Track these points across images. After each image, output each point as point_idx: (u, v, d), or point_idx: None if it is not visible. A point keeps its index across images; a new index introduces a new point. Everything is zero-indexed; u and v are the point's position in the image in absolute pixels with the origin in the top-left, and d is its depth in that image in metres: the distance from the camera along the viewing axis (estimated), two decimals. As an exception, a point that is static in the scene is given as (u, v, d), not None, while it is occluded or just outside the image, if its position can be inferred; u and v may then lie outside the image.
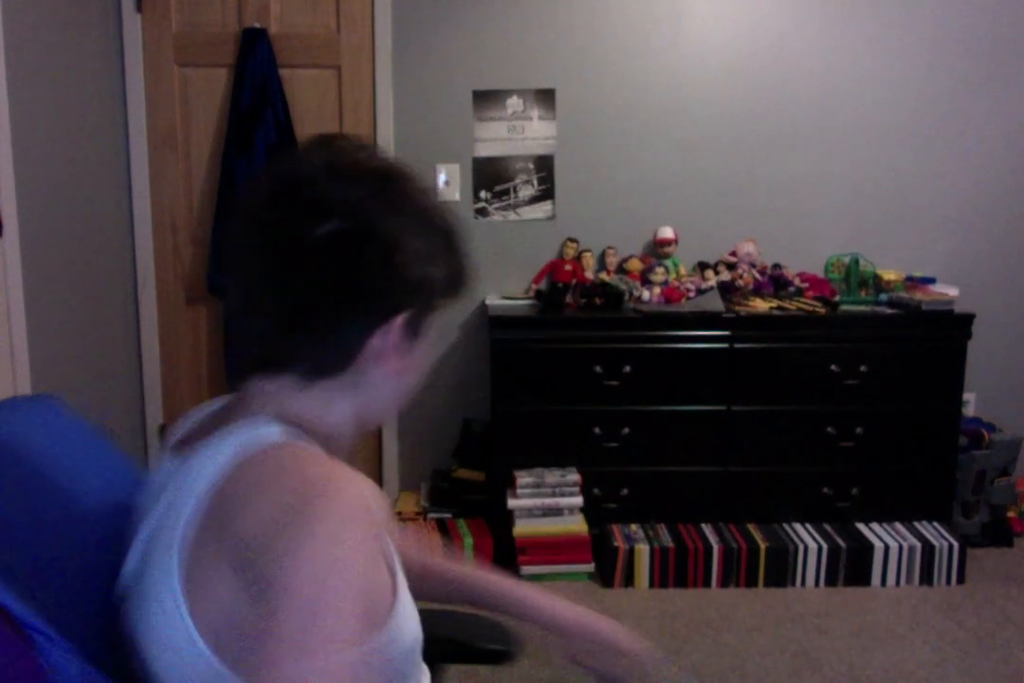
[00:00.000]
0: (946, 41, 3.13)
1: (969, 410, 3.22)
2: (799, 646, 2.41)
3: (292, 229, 0.73)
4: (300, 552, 0.61)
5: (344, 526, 0.64)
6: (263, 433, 0.73)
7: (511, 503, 2.78)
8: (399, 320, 0.76)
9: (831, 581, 2.76)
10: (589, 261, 3.15)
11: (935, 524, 2.88)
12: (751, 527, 2.88)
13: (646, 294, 3.04)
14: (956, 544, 2.75)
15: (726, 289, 3.05)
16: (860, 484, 2.89)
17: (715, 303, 2.90)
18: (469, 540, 2.87)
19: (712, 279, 3.09)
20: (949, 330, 2.84)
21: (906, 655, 2.36)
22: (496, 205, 3.18)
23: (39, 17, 2.50)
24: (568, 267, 3.10)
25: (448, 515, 3.04)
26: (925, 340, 2.84)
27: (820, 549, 2.74)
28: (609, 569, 2.76)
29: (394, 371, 0.79)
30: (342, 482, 0.67)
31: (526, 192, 3.19)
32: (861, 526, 2.88)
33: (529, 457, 2.86)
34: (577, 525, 2.80)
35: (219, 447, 0.72)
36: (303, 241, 0.72)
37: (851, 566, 2.75)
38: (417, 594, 0.82)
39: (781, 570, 2.75)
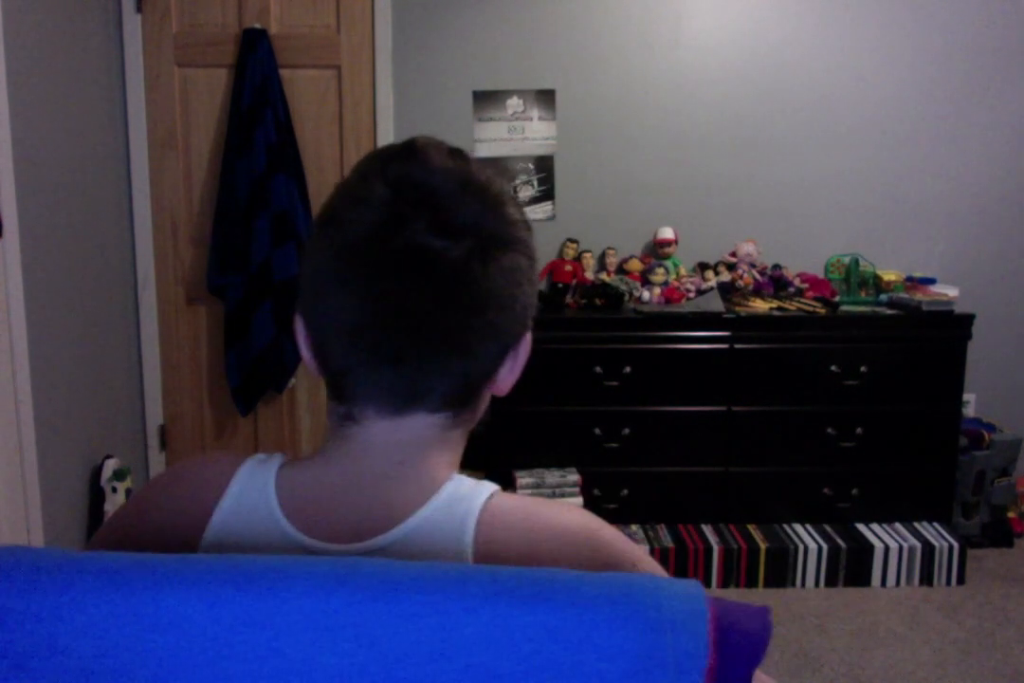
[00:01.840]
0: (946, 42, 3.13)
1: (969, 410, 3.22)
2: (799, 646, 2.41)
3: (464, 255, 0.63)
4: None
5: None
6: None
7: (511, 503, 2.78)
8: (528, 335, 0.71)
9: (831, 581, 2.76)
10: (589, 261, 3.15)
11: (935, 524, 2.88)
12: (751, 527, 2.88)
13: (646, 294, 3.04)
14: (956, 544, 2.75)
15: (726, 289, 3.05)
16: (860, 484, 2.89)
17: (715, 303, 2.90)
18: (469, 540, 2.86)
19: (712, 279, 3.09)
20: (949, 330, 2.84)
21: (906, 655, 2.36)
22: (496, 205, 3.18)
23: (39, 17, 2.50)
24: (568, 268, 3.10)
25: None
26: (925, 340, 2.84)
27: (820, 549, 2.74)
28: (609, 569, 2.76)
29: (503, 390, 0.72)
30: None
31: (526, 192, 3.19)
32: (861, 526, 2.88)
33: (529, 457, 2.86)
34: (577, 525, 2.80)
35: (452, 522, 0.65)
36: (482, 268, 0.64)
37: (851, 566, 2.75)
38: None
39: (781, 570, 2.75)
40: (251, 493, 0.66)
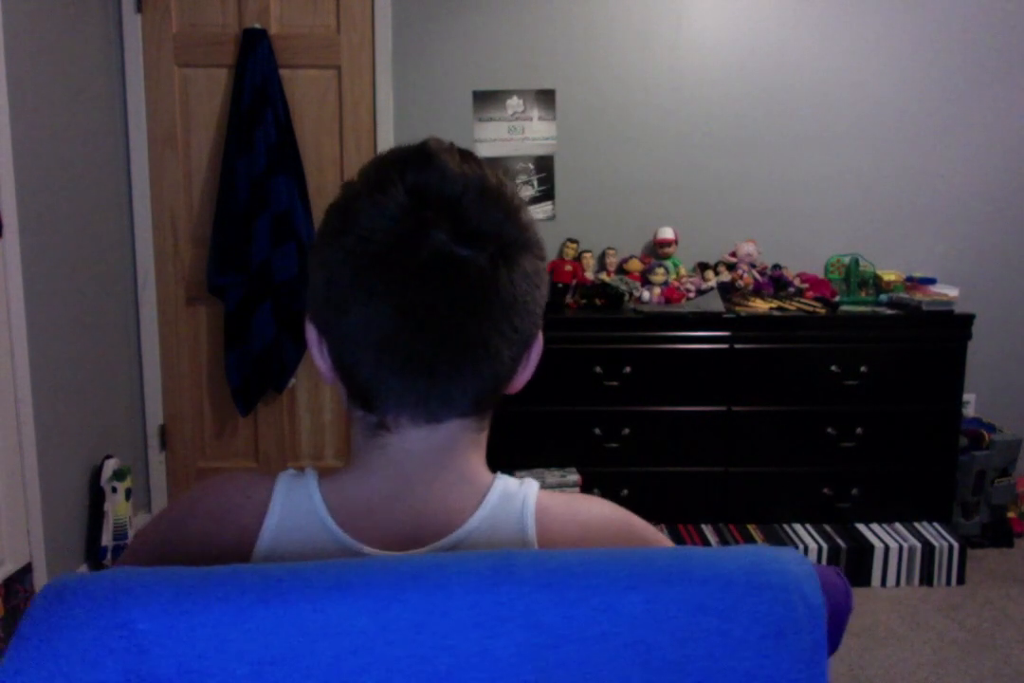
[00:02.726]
0: (946, 42, 3.13)
1: (969, 410, 3.22)
2: (799, 646, 2.40)
3: (489, 262, 0.63)
4: None
5: None
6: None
7: (511, 503, 2.78)
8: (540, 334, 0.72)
9: (831, 581, 2.76)
10: (589, 262, 3.15)
11: (935, 524, 2.88)
12: (751, 527, 2.88)
13: (646, 294, 3.04)
14: (956, 544, 2.75)
15: (726, 289, 3.05)
16: (860, 484, 2.89)
17: (715, 303, 2.90)
18: (469, 540, 2.86)
19: (712, 279, 3.09)
20: (949, 330, 2.84)
21: (906, 655, 2.36)
22: (496, 205, 3.18)
23: (39, 17, 2.50)
24: (568, 268, 3.10)
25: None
26: (925, 340, 2.84)
27: (820, 549, 2.74)
28: (609, 569, 2.75)
29: (518, 387, 0.73)
30: None
31: (526, 192, 3.19)
32: (861, 526, 2.88)
33: (529, 457, 2.86)
34: (577, 525, 2.80)
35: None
36: (507, 277, 0.65)
37: (851, 566, 2.75)
38: None
39: (781, 570, 2.75)
40: (297, 509, 0.66)
